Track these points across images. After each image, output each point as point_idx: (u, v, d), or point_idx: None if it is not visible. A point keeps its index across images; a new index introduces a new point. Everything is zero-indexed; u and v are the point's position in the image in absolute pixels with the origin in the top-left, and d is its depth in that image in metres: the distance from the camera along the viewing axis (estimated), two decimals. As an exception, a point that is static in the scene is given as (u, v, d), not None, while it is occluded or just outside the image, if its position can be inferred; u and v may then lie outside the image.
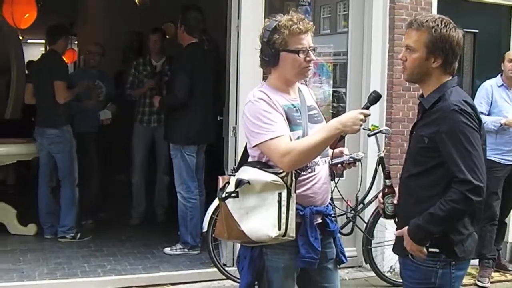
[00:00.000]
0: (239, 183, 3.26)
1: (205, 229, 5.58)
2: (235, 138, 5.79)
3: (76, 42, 16.25)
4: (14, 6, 8.14)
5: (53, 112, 6.89)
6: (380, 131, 5.72)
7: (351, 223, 5.82)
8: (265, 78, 5.63)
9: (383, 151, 5.90)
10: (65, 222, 6.91)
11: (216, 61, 6.87)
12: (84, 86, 7.33)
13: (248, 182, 3.25)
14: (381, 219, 5.74)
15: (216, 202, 5.37)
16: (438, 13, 4.55)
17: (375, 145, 5.90)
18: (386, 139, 6.23)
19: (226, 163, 6.30)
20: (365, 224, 5.95)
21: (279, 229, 3.17)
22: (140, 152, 7.59)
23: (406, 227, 3.20)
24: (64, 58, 7.47)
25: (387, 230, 5.73)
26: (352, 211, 5.77)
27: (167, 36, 7.79)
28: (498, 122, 6.09)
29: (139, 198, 7.78)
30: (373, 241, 6.00)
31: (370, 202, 5.94)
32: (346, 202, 5.34)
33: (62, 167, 6.95)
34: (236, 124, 5.79)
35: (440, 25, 3.22)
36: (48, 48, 7.29)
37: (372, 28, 6.33)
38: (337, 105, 6.57)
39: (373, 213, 5.93)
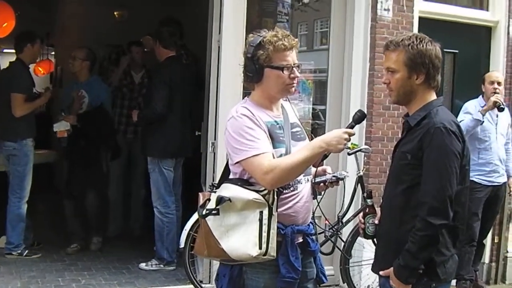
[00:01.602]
0: (220, 200, 3.21)
1: (182, 245, 5.52)
2: (214, 153, 5.74)
3: (53, 53, 16.16)
4: None
5: (11, 124, 6.64)
6: (360, 150, 5.69)
7: (329, 241, 5.77)
8: (245, 93, 5.78)
9: (362, 170, 5.87)
10: (11, 239, 6.65)
11: (195, 75, 6.82)
12: (46, 98, 7.08)
13: (229, 200, 3.20)
14: (359, 238, 5.71)
15: (194, 218, 5.35)
16: (418, 32, 4.54)
17: (354, 164, 5.87)
18: (365, 158, 6.20)
19: (204, 179, 6.23)
20: (343, 243, 5.91)
21: (260, 248, 3.12)
22: (118, 164, 7.49)
23: (392, 269, 3.19)
24: (34, 69, 7.25)
25: (364, 249, 5.70)
26: (331, 230, 5.72)
27: (146, 49, 7.70)
28: (478, 113, 6.07)
29: (116, 212, 7.69)
30: (351, 260, 5.96)
31: (348, 221, 5.90)
32: (325, 220, 5.30)
33: (12, 181, 6.70)
34: (215, 139, 5.74)
35: (415, 42, 3.24)
36: (15, 58, 7.03)
37: (353, 46, 6.31)
38: (313, 123, 6.54)
39: (351, 232, 5.88)
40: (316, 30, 6.63)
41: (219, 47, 5.71)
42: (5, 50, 12.79)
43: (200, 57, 7.07)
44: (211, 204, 3.26)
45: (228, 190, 3.24)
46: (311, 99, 6.48)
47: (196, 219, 5.28)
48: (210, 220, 3.24)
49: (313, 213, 3.48)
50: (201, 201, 3.39)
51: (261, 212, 3.16)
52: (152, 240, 6.63)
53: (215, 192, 3.36)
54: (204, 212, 3.27)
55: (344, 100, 6.35)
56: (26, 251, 6.66)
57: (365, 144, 6.10)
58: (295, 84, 3.38)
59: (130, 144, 7.57)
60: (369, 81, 6.29)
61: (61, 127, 6.75)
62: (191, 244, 5.31)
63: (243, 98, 5.60)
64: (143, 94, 7.41)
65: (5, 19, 8.07)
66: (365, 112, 6.06)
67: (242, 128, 3.23)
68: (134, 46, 7.67)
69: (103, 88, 7.19)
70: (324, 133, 5.72)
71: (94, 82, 7.08)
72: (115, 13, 10.62)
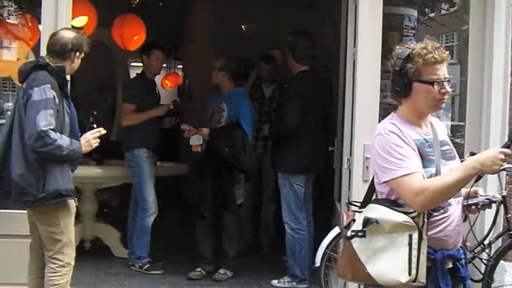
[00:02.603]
0: (367, 222, 3.06)
1: (317, 264, 5.36)
2: (350, 170, 5.57)
3: (180, 66, 16.45)
4: (124, 28, 8.16)
5: (126, 135, 6.83)
6: (504, 169, 5.36)
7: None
8: (382, 109, 5.60)
9: (505, 190, 5.55)
10: (134, 250, 6.74)
11: (328, 89, 6.69)
12: (161, 110, 6.87)
13: (377, 222, 3.04)
14: (501, 262, 5.40)
15: (330, 236, 5.21)
16: None
17: (495, 183, 5.55)
18: (507, 177, 5.87)
19: (338, 195, 6.10)
20: (484, 267, 5.59)
21: (409, 274, 2.95)
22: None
23: None
24: (161, 82, 7.19)
25: (506, 273, 5.39)
26: (472, 253, 5.43)
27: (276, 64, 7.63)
28: None
29: (246, 226, 7.63)
30: (493, 285, 5.63)
31: (490, 244, 5.58)
32: (466, 242, 5.02)
33: (135, 192, 6.80)
34: (350, 155, 5.57)
35: None
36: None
37: (493, 59, 5.99)
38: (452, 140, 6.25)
39: (493, 254, 5.56)
40: (441, 44, 6.35)
41: (354, 60, 5.55)
42: (133, 64, 13.09)
43: (332, 71, 6.98)
44: (357, 226, 3.11)
45: (375, 212, 3.09)
46: (450, 115, 6.21)
47: (332, 238, 5.15)
48: (355, 242, 3.10)
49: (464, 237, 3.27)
50: (345, 222, 3.26)
51: (410, 236, 2.99)
52: (283, 255, 6.57)
53: (360, 212, 3.21)
54: (349, 234, 3.13)
55: (484, 116, 6.01)
56: (147, 265, 6.69)
57: (508, 162, 5.75)
58: (445, 100, 3.20)
59: (260, 159, 7.50)
60: (511, 96, 5.95)
61: (195, 141, 6.50)
62: (327, 263, 5.17)
63: (380, 113, 5.59)
64: (273, 108, 7.34)
65: (136, 32, 8.20)
66: (506, 128, 5.85)
67: (390, 145, 3.07)
68: (263, 63, 7.58)
69: (243, 102, 6.62)
70: (463, 151, 5.53)
71: (234, 94, 6.63)
72: (242, 26, 10.63)
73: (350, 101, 5.63)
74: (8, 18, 7.87)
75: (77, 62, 4.69)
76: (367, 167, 5.41)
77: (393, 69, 3.21)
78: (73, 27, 5.46)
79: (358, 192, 5.32)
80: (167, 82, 16.35)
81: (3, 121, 5.88)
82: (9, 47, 7.60)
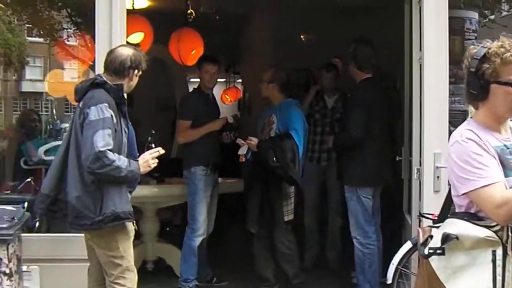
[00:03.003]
0: (446, 238, 2.81)
1: (389, 281, 5.08)
2: (419, 180, 5.30)
3: (239, 80, 16.37)
4: (181, 43, 7.98)
5: (184, 152, 6.68)
6: None
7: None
8: (451, 115, 5.34)
9: None
10: (181, 272, 6.49)
11: (394, 97, 6.44)
12: (216, 125, 6.55)
13: (457, 238, 2.80)
14: None
15: (401, 251, 4.95)
16: None
17: None
18: None
19: (407, 207, 5.85)
20: None
21: (494, 293, 2.70)
22: (312, 191, 7.19)
23: None
24: (221, 97, 6.93)
25: None
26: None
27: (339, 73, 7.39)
28: None
29: (312, 240, 7.42)
30: None
31: None
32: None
33: (188, 211, 6.56)
34: (420, 165, 5.31)
35: None
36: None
37: None
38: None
39: None
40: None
41: (420, 65, 5.30)
42: (192, 80, 12.99)
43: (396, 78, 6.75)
44: (435, 242, 2.88)
45: (455, 227, 2.85)
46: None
47: (404, 253, 4.89)
48: (434, 260, 2.87)
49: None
50: (421, 238, 3.01)
51: (494, 252, 2.75)
52: (350, 271, 6.39)
53: (437, 227, 2.96)
54: (427, 252, 2.89)
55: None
56: None
57: None
58: (527, 103, 2.93)
59: (324, 172, 7.27)
60: None
61: (241, 152, 6.23)
62: (399, 280, 4.91)
63: (449, 119, 5.33)
64: (337, 119, 7.11)
65: (194, 47, 8.04)
66: None
67: (469, 154, 2.83)
68: (325, 72, 7.36)
69: (293, 112, 6.24)
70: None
71: (284, 106, 6.30)
72: (302, 36, 10.45)
73: (418, 108, 5.38)
74: (68, 40, 7.89)
75: (135, 80, 4.54)
76: (437, 177, 5.19)
77: (467, 71, 2.96)
78: (128, 43, 5.35)
79: (429, 203, 5.13)
80: (227, 96, 16.30)
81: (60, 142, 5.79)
82: (69, 68, 7.59)
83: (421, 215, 4.87)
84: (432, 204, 5.11)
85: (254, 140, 6.09)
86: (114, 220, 4.19)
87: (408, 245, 4.93)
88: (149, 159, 4.46)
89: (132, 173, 4.29)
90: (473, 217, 2.85)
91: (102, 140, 4.09)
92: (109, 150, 4.10)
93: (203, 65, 6.68)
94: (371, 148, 5.89)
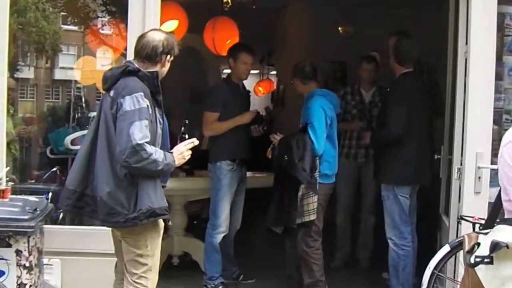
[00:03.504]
0: (495, 246, 2.60)
1: (424, 286, 4.82)
2: (460, 181, 5.07)
3: (273, 72, 16.20)
4: (216, 32, 7.80)
5: (211, 144, 6.44)
6: None
7: None
8: (496, 112, 5.10)
9: None
10: (205, 270, 6.28)
11: (434, 92, 6.21)
12: (245, 118, 6.28)
13: (507, 246, 2.58)
14: None
15: (439, 254, 4.70)
16: None
17: None
18: None
19: (445, 208, 5.65)
20: None
21: (545, 306, 2.50)
22: (346, 189, 6.99)
23: None
24: (254, 89, 6.61)
25: None
26: None
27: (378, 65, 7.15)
28: None
29: (344, 239, 7.21)
30: None
31: None
32: None
33: (210, 205, 6.33)
34: (461, 164, 5.07)
35: None
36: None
37: None
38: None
39: None
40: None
41: (466, 60, 5.05)
42: (225, 70, 12.79)
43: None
44: (482, 251, 2.67)
45: (505, 234, 2.65)
46: None
47: (442, 257, 4.65)
48: (480, 270, 2.67)
49: None
50: (467, 246, 2.80)
51: (546, 262, 2.53)
52: (381, 271, 6.25)
53: (484, 234, 2.75)
54: (473, 260, 2.68)
55: None
56: (221, 286, 6.23)
57: None
58: None
59: (360, 168, 7.07)
60: None
61: (271, 148, 6.05)
62: (434, 285, 4.68)
63: (494, 117, 5.09)
64: (374, 114, 6.89)
65: (229, 36, 7.84)
66: None
67: (525, 155, 2.61)
68: (365, 62, 7.12)
69: (311, 104, 5.84)
70: None
71: (307, 97, 5.95)
72: (339, 28, 10.24)
73: (461, 105, 5.13)
74: (102, 29, 7.78)
75: (167, 66, 4.27)
76: (479, 178, 4.97)
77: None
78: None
79: (469, 205, 4.94)
80: (260, 88, 16.14)
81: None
82: (102, 57, 7.47)
83: (461, 217, 4.63)
84: (472, 206, 4.92)
85: (276, 137, 5.89)
86: (150, 216, 3.95)
87: (446, 249, 4.69)
88: (183, 150, 4.22)
89: (168, 167, 4.05)
90: (525, 224, 2.64)
91: (140, 132, 3.85)
92: (146, 142, 3.87)
93: (239, 54, 6.34)
94: (410, 145, 5.65)
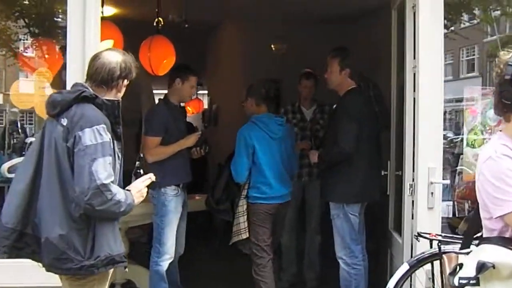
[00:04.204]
0: (481, 266, 2.49)
1: (386, 305, 4.73)
2: (412, 197, 4.99)
3: (202, 92, 16.04)
4: (152, 51, 7.47)
5: (152, 170, 5.96)
6: None
7: None
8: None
9: None
10: None
11: (379, 108, 6.16)
12: (189, 141, 6.05)
13: (493, 266, 2.47)
14: None
15: (398, 274, 4.57)
16: None
17: None
18: None
19: (395, 225, 5.60)
20: None
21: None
22: (290, 209, 6.81)
23: None
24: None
25: None
26: None
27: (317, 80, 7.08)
28: None
29: (290, 259, 7.07)
30: None
31: None
32: None
33: (153, 233, 6.02)
34: (413, 180, 4.99)
35: None
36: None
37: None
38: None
39: None
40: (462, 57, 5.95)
41: (414, 74, 5.00)
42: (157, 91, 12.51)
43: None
44: (467, 272, 2.56)
45: (489, 254, 2.54)
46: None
47: (400, 276, 4.53)
48: (468, 292, 2.53)
49: None
50: (447, 267, 2.69)
51: (535, 281, 2.44)
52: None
53: (464, 254, 2.65)
54: (457, 282, 2.56)
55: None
56: None
57: None
58: None
59: (303, 187, 6.95)
60: None
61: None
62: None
63: (444, 132, 5.05)
64: (317, 132, 6.80)
65: (166, 56, 7.60)
66: None
67: (505, 172, 2.53)
68: (304, 79, 7.04)
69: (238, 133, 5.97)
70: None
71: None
72: (272, 46, 10.16)
73: (411, 120, 5.06)
74: (26, 51, 7.47)
75: (122, 91, 3.86)
76: (431, 193, 4.88)
77: (500, 79, 2.66)
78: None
79: (423, 221, 4.87)
80: (189, 108, 15.91)
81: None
82: (27, 80, 7.16)
83: (419, 234, 4.54)
84: (425, 222, 4.86)
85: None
86: (108, 264, 3.59)
87: (404, 267, 4.57)
88: (141, 188, 3.85)
89: (129, 207, 3.65)
90: (509, 242, 2.54)
91: (104, 171, 3.46)
92: (111, 182, 3.50)
93: (189, 77, 6.11)
94: (360, 162, 5.55)
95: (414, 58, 5.01)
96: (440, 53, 4.94)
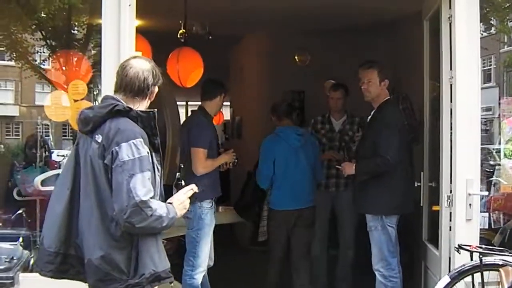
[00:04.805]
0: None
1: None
2: (450, 208, 4.94)
3: (227, 104, 16.01)
4: (180, 63, 7.47)
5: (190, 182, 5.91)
6: None
7: None
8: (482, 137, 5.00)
9: None
10: None
11: (411, 119, 6.15)
12: (228, 156, 6.13)
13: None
14: None
15: (439, 286, 4.51)
16: None
17: None
18: None
19: (427, 236, 5.67)
20: None
21: None
22: (319, 219, 6.72)
23: None
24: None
25: None
26: None
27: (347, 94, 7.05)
28: None
29: (320, 271, 7.01)
30: None
31: None
32: None
33: (187, 246, 5.94)
34: (451, 192, 4.94)
35: None
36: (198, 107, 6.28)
37: None
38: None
39: None
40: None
41: (451, 85, 4.95)
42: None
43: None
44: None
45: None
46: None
47: (443, 288, 4.48)
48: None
49: None
50: (505, 281, 2.65)
51: None
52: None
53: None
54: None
55: None
56: None
57: None
58: None
59: (332, 199, 6.93)
60: None
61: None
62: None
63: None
64: (344, 142, 6.84)
65: (194, 67, 7.59)
66: None
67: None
68: (332, 91, 7.03)
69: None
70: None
71: None
72: (296, 57, 10.15)
73: (447, 132, 5.01)
74: (43, 64, 7.48)
75: (152, 99, 3.70)
76: (469, 205, 4.83)
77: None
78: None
79: (461, 233, 4.81)
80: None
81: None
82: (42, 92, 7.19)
83: (459, 247, 4.49)
84: (463, 234, 4.80)
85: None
86: (153, 281, 3.45)
87: (445, 280, 4.51)
88: (184, 199, 3.69)
89: (172, 221, 3.49)
90: None
91: (143, 187, 3.32)
92: (151, 198, 3.36)
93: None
94: (399, 173, 5.49)
95: (451, 69, 4.96)
96: (476, 64, 4.93)
